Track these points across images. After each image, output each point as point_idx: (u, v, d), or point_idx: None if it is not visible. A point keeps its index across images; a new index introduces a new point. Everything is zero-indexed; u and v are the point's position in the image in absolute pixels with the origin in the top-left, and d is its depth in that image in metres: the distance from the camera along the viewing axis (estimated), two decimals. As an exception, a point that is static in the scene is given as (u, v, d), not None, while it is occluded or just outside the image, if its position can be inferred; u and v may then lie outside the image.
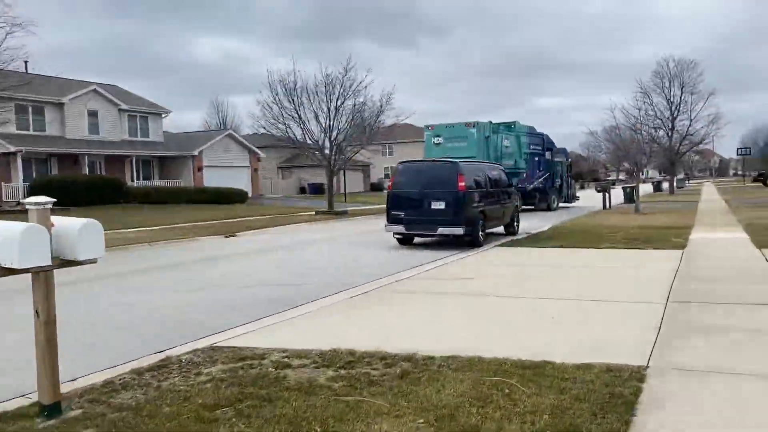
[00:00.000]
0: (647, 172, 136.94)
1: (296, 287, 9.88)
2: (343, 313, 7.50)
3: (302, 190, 57.53)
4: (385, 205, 15.94)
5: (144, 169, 40.78)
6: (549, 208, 31.64)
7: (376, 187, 62.55)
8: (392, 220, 15.03)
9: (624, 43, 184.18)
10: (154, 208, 33.04)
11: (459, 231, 14.26)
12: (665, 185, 53.34)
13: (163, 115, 42.89)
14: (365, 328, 6.69)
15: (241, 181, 44.36)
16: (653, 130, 46.70)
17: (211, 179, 41.28)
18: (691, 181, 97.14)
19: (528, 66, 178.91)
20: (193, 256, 15.00)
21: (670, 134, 46.91)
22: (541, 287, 8.81)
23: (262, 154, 47.81)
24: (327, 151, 30.10)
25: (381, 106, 30.24)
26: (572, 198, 35.24)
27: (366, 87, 29.61)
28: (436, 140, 28.62)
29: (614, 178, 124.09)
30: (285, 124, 29.55)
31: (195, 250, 16.66)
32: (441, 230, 14.39)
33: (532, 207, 30.87)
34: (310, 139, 29.96)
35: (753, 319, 6.52)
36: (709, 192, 49.70)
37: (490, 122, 28.90)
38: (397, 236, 15.40)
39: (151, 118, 41.68)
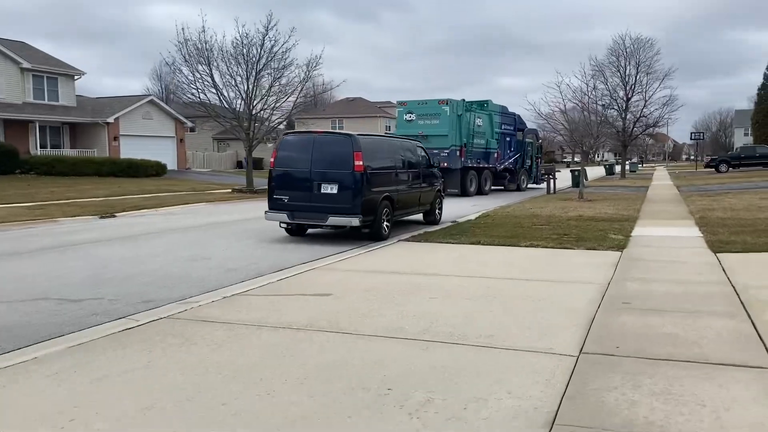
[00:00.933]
0: (602, 154, 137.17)
1: (56, 309, 6.95)
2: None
3: (239, 165, 53.96)
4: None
5: (53, 136, 36.76)
6: (519, 188, 31.58)
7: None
8: (274, 205, 12.11)
9: (586, 24, 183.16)
10: (55, 180, 29.42)
11: (354, 221, 11.46)
12: (618, 168, 51.57)
13: (75, 77, 38.71)
14: None
15: (165, 152, 40.73)
16: (605, 111, 44.65)
17: (130, 150, 37.59)
18: (644, 165, 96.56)
19: (491, 45, 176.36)
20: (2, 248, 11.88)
21: (623, 115, 44.93)
22: (408, 315, 6.08)
23: (189, 123, 44.12)
24: (246, 123, 26.85)
25: (307, 71, 27.13)
26: (541, 179, 33.25)
27: (290, 50, 26.42)
28: (407, 117, 27.02)
29: (570, 160, 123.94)
30: (197, 88, 26.18)
31: (28, 237, 13.51)
32: (332, 220, 11.56)
33: (502, 188, 30.87)
34: (226, 105, 26.65)
35: (712, 402, 3.90)
36: (661, 177, 48.17)
37: (464, 100, 27.29)
38: (283, 226, 12.51)
39: (61, 80, 37.52)
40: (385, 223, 12.30)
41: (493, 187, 31.16)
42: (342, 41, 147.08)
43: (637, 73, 44.20)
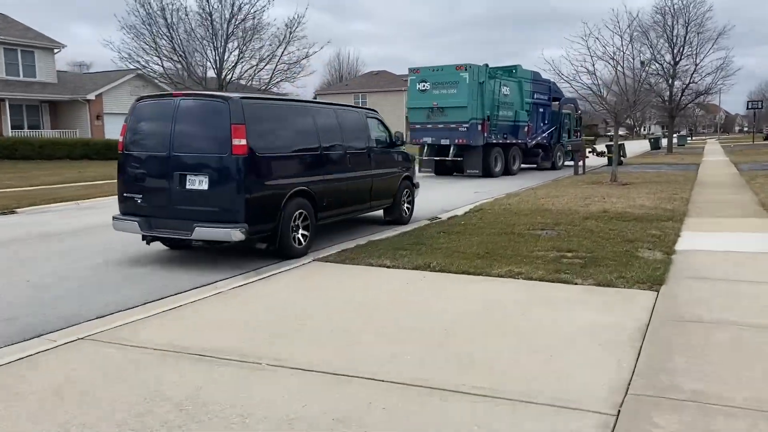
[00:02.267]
0: (649, 127, 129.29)
1: None
2: None
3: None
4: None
5: (30, 116, 33.62)
6: (554, 167, 27.13)
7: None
8: (125, 209, 8.09)
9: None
10: (14, 165, 26.20)
11: (235, 234, 7.33)
12: (665, 142, 46.04)
13: (55, 51, 35.36)
14: None
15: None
16: (645, 69, 39.16)
17: (117, 130, 34.09)
18: (693, 138, 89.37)
19: (531, 16, 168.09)
20: None
21: (670, 82, 39.47)
22: None
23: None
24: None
25: (289, 32, 23.00)
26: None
27: (265, 8, 22.35)
28: (421, 86, 22.74)
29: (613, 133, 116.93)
30: (160, 56, 22.31)
31: None
32: (200, 232, 7.46)
33: (535, 165, 26.80)
34: (193, 75, 22.75)
35: None
36: (713, 151, 42.55)
37: (486, 66, 22.64)
38: (148, 237, 8.44)
39: (39, 53, 34.22)
40: (298, 233, 8.19)
41: (524, 166, 26.75)
42: (377, 16, 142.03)
43: (686, 33, 38.61)
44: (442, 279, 6.66)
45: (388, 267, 7.24)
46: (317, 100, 13.25)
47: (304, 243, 8.29)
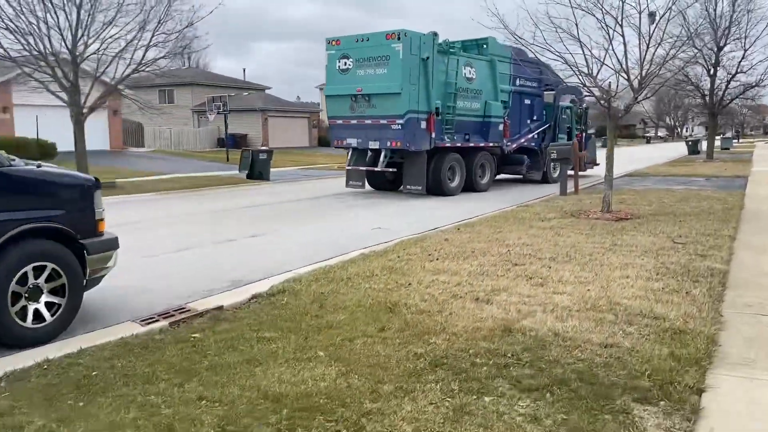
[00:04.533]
0: (690, 129, 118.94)
1: None
2: None
3: (220, 143, 44.28)
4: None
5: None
6: (546, 179, 19.74)
7: (324, 142, 48.39)
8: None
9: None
10: None
11: None
12: (705, 145, 38.24)
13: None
14: None
15: (92, 128, 31.25)
16: (686, 66, 31.69)
17: (31, 125, 28.22)
18: (740, 141, 79.82)
19: None
20: None
21: (712, 71, 31.87)
22: None
23: (128, 91, 34.43)
24: (65, 72, 16.55)
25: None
26: (587, 163, 21.32)
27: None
28: (342, 64, 15.91)
29: (653, 135, 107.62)
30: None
31: None
32: None
33: (520, 177, 20.10)
34: (37, 51, 16.49)
35: None
36: (764, 158, 34.64)
37: (434, 34, 15.59)
38: None
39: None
40: None
41: (505, 177, 19.99)
42: (410, 13, 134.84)
43: (734, 11, 30.94)
44: None
45: None
46: None
47: None
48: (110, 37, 16.72)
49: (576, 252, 7.60)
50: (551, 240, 8.54)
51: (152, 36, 17.05)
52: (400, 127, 15.10)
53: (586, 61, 11.04)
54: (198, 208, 14.07)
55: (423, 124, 15.42)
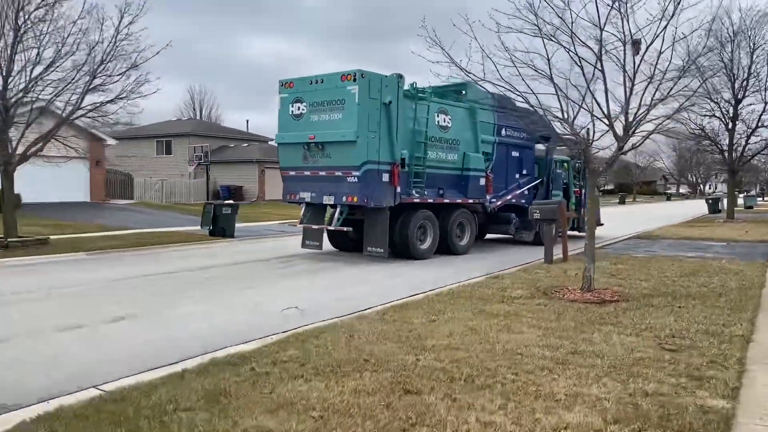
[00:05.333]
0: (714, 186, 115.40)
1: None
2: None
3: (216, 195, 42.60)
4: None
5: None
6: (539, 241, 15.97)
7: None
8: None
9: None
10: None
11: None
12: (726, 203, 35.55)
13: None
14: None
15: (71, 179, 29.79)
16: (701, 119, 29.45)
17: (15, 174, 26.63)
18: (765, 199, 76.40)
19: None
20: None
21: (730, 125, 29.51)
22: None
23: (110, 141, 33.07)
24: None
25: (115, 36, 14.84)
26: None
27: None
28: (295, 108, 13.87)
29: (674, 191, 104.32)
30: None
31: None
32: None
33: (509, 237, 17.83)
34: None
35: None
36: (792, 218, 31.81)
37: (398, 77, 13.53)
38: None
39: None
40: None
41: (494, 236, 17.83)
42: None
43: (752, 61, 28.77)
44: None
45: None
46: None
47: None
48: (40, 78, 14.96)
49: (512, 366, 5.22)
50: (492, 339, 6.17)
51: (91, 79, 15.32)
52: (356, 179, 12.93)
53: (560, 102, 8.85)
54: (115, 273, 11.92)
55: (385, 177, 13.24)
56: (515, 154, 17.14)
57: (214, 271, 12.08)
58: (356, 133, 12.69)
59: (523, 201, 17.22)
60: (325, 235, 14.78)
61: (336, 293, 9.78)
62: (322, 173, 13.54)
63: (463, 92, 15.49)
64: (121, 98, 15.91)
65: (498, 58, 8.44)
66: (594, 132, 8.58)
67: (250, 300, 9.15)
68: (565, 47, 8.29)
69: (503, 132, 16.59)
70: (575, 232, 19.47)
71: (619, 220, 26.31)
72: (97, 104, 15.91)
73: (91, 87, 15.34)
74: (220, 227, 19.44)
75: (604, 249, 16.23)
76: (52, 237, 16.92)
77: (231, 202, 21.26)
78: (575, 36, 8.43)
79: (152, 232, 19.98)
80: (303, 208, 14.54)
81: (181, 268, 12.45)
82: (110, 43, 15.18)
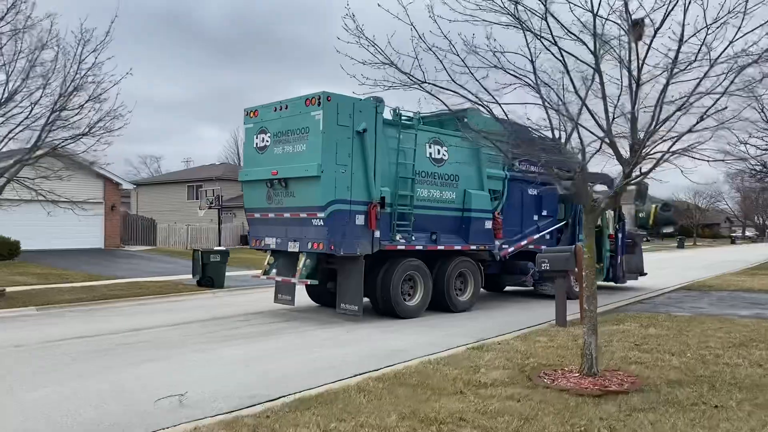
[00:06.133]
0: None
1: None
2: None
3: (243, 240, 41.13)
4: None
5: None
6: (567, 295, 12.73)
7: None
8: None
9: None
10: None
11: None
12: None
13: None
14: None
15: (85, 225, 28.64)
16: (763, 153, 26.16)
17: (19, 221, 25.58)
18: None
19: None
20: None
21: (797, 158, 26.14)
22: None
23: (127, 184, 32.11)
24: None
25: (78, 55, 13.31)
26: (626, 272, 16.68)
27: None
28: (259, 140, 11.89)
29: (739, 234, 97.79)
30: None
31: None
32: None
33: (532, 289, 15.24)
34: None
35: None
36: None
37: (376, 101, 11.25)
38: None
39: None
40: None
41: (513, 289, 15.71)
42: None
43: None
44: None
45: None
46: None
47: None
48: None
49: None
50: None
51: (51, 113, 13.81)
52: (321, 222, 10.72)
53: (548, 115, 6.49)
54: (33, 334, 10.03)
55: (359, 219, 10.97)
56: (532, 192, 14.64)
57: (142, 335, 9.98)
58: (320, 167, 10.52)
59: (543, 247, 14.60)
60: (299, 287, 12.52)
61: (256, 369, 7.49)
62: (287, 215, 11.41)
63: (464, 119, 13.14)
64: (86, 135, 14.35)
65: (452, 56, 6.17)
66: (585, 153, 6.14)
67: (135, 380, 6.96)
68: (538, 37, 5.94)
69: (517, 165, 14.13)
70: (611, 283, 16.67)
71: (672, 267, 23.19)
72: (66, 140, 14.35)
73: (50, 122, 13.82)
74: (207, 276, 17.51)
75: (641, 304, 13.49)
76: (14, 288, 15.29)
77: (221, 248, 19.30)
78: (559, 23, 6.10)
79: (137, 282, 18.19)
80: (268, 256, 12.33)
81: (112, 330, 10.41)
82: (71, 73, 13.69)
